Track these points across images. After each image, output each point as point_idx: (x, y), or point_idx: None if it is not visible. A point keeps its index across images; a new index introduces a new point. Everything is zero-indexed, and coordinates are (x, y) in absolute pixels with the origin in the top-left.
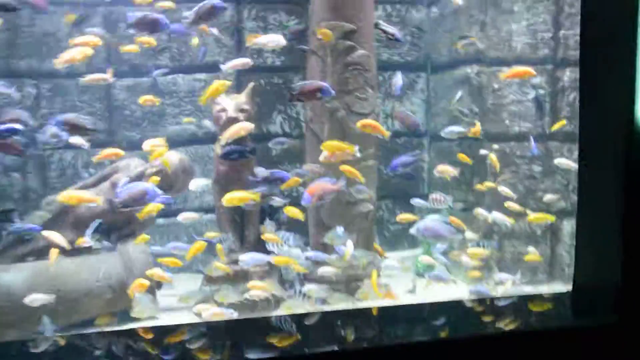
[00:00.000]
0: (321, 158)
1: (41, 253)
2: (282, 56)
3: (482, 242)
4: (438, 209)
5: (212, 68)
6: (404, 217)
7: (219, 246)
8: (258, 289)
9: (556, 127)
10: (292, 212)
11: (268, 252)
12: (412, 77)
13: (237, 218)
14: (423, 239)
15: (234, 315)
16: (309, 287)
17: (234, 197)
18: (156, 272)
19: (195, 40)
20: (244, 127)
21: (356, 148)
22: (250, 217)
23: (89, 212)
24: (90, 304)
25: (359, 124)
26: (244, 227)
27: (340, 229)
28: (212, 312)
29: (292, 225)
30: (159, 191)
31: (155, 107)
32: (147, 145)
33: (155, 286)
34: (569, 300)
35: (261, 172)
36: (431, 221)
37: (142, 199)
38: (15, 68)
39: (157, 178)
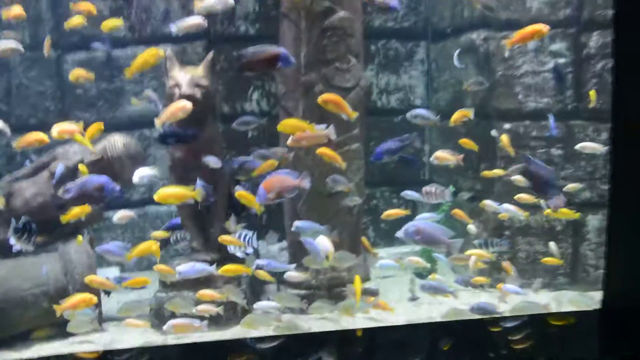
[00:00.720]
0: (289, 141)
1: None
2: (256, 23)
3: (490, 240)
4: (438, 203)
5: (179, 38)
6: (390, 213)
7: (152, 246)
8: (208, 298)
9: (592, 101)
10: (246, 199)
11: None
12: (410, 46)
13: (202, 212)
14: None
15: (203, 327)
16: (279, 295)
17: (169, 194)
18: (97, 278)
19: None
20: (182, 107)
21: (330, 129)
22: (215, 212)
23: (25, 206)
24: (24, 316)
25: (319, 99)
26: (207, 222)
27: (314, 225)
28: (172, 324)
29: (271, 220)
30: (116, 185)
31: (112, 85)
32: (56, 130)
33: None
34: (596, 320)
35: (212, 161)
36: (423, 222)
37: (96, 195)
38: None
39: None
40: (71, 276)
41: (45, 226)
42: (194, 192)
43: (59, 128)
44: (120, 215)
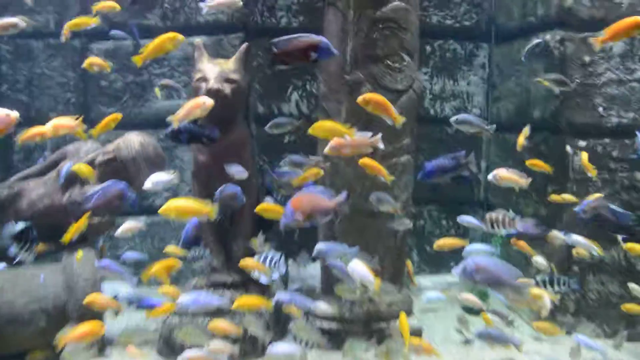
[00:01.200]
0: (326, 150)
1: None
2: (300, 15)
3: (556, 277)
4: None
5: (215, 29)
6: (445, 242)
7: (173, 264)
8: (222, 332)
9: None
10: (272, 213)
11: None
12: (470, 47)
13: (226, 224)
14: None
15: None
16: (299, 326)
17: (177, 208)
18: (99, 299)
19: None
20: (201, 105)
21: (377, 137)
22: (240, 226)
23: (30, 209)
24: (18, 334)
25: (359, 98)
26: (231, 238)
27: (340, 248)
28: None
29: (305, 237)
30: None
31: (139, 78)
32: (51, 125)
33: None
34: None
35: (236, 171)
36: (485, 259)
37: (116, 204)
38: None
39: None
40: (73, 292)
41: (51, 232)
42: (208, 207)
43: (54, 122)
44: (125, 228)
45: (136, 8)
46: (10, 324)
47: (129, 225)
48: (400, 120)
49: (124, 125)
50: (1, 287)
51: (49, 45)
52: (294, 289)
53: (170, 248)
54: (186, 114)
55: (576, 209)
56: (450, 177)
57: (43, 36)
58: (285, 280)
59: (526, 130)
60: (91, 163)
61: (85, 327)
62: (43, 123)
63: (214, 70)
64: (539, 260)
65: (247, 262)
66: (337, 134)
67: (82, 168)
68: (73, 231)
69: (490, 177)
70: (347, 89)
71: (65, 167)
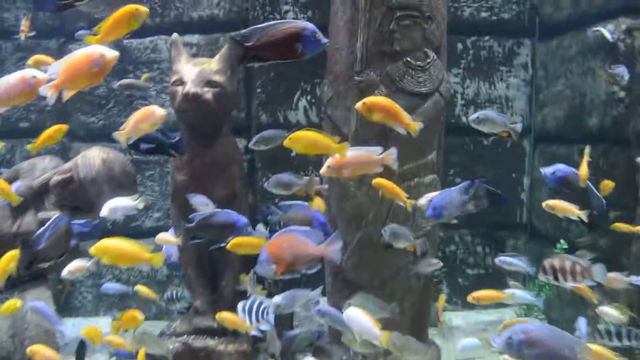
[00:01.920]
0: (323, 170)
1: None
2: (307, 9)
3: (624, 329)
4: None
5: (210, 25)
6: (482, 296)
7: (137, 317)
8: None
9: None
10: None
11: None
12: (510, 44)
13: (211, 258)
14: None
15: None
16: None
17: (110, 251)
18: (42, 351)
19: None
20: (152, 115)
21: (390, 153)
22: (228, 260)
23: None
24: None
25: (359, 104)
26: (217, 274)
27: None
28: None
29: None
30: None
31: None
32: None
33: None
34: None
35: (199, 203)
36: (538, 328)
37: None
38: None
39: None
40: (20, 342)
41: None
42: (147, 254)
43: None
44: (72, 269)
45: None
46: None
47: (76, 266)
48: (416, 128)
49: (109, 137)
50: None
51: (20, 46)
52: (290, 336)
53: (141, 288)
54: (133, 128)
55: None
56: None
57: (11, 36)
58: (290, 321)
59: (587, 153)
60: (46, 184)
61: None
62: (12, 135)
63: (192, 71)
64: (609, 311)
65: (225, 316)
66: (321, 149)
67: (5, 192)
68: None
69: (545, 205)
70: (358, 93)
71: (14, 187)
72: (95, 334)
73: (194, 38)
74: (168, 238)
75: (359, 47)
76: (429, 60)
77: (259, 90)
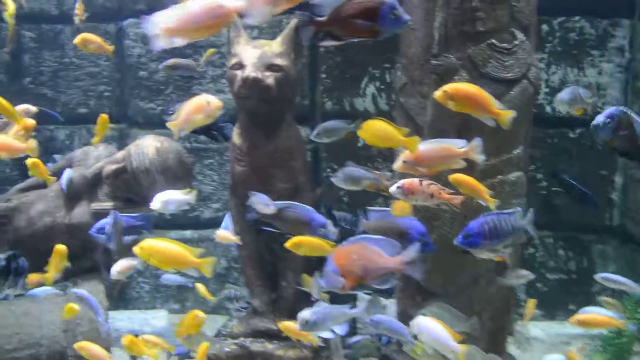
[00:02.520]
0: (396, 165)
1: None
2: None
3: None
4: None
5: None
6: (588, 319)
7: (197, 321)
8: None
9: None
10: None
11: None
12: (603, 26)
13: (266, 256)
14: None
15: None
16: None
17: (157, 253)
18: (89, 348)
19: None
20: (207, 106)
21: (475, 144)
22: (289, 258)
23: (28, 228)
24: None
25: (438, 92)
26: (277, 273)
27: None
28: None
29: None
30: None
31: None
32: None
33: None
34: None
35: (259, 202)
36: None
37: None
38: None
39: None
40: (73, 337)
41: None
42: (199, 260)
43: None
44: (118, 269)
45: None
46: None
47: (124, 265)
48: (508, 118)
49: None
50: None
51: (78, 30)
52: (349, 343)
53: (200, 288)
54: (185, 119)
55: None
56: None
57: (72, 19)
58: (352, 327)
59: None
60: (99, 174)
61: None
62: (72, 121)
63: (253, 54)
64: None
65: (287, 326)
66: (389, 142)
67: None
68: (53, 271)
69: None
70: (435, 79)
71: (65, 177)
72: (133, 344)
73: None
74: (227, 235)
75: (437, 27)
76: (516, 42)
77: (323, 75)
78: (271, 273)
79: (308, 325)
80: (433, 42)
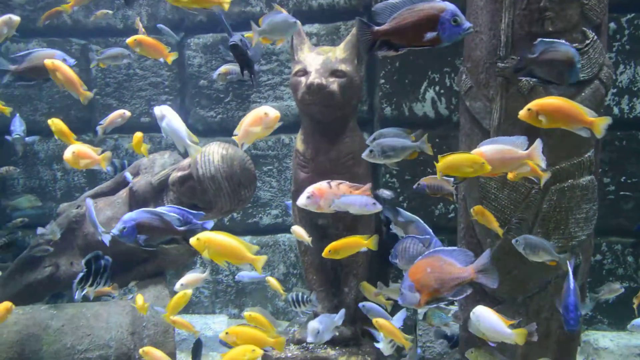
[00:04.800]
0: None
1: (57, 284)
2: None
3: None
4: None
5: (330, 14)
6: None
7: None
8: None
9: None
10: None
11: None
12: None
13: (329, 262)
14: None
15: None
16: None
17: (215, 245)
18: (152, 353)
19: None
20: (265, 118)
21: (538, 146)
22: (352, 264)
23: (98, 234)
24: None
25: (523, 112)
26: (340, 279)
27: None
28: None
29: None
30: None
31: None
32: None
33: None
34: None
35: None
36: None
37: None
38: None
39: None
40: (139, 339)
41: (119, 263)
42: (254, 256)
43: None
44: (185, 282)
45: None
46: None
47: (190, 278)
48: (603, 126)
49: (227, 131)
50: (61, 328)
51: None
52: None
53: (272, 280)
54: (245, 133)
55: None
56: None
57: (135, 33)
58: (413, 326)
59: None
60: (165, 181)
61: None
62: (135, 129)
63: (316, 60)
64: None
65: (383, 324)
66: (476, 170)
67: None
68: None
69: None
70: (502, 82)
71: (138, 183)
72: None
73: (314, 27)
74: (302, 234)
75: (504, 28)
76: (587, 42)
77: (382, 80)
78: (333, 279)
79: (318, 336)
80: (499, 44)
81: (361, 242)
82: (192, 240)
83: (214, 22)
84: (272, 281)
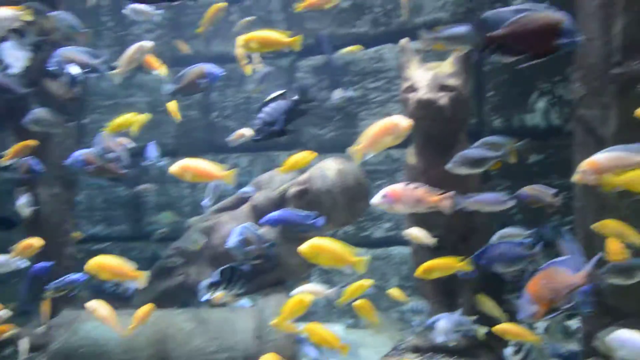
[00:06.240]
0: (576, 176)
1: (186, 291)
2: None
3: None
4: None
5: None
6: None
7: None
8: None
9: None
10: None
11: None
12: None
13: None
14: None
15: None
16: None
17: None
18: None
19: None
20: (396, 127)
21: None
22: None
23: (222, 245)
24: None
25: None
26: (454, 290)
27: None
28: None
29: None
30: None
31: (354, 94)
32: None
33: None
34: None
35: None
36: None
37: None
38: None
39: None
40: (264, 344)
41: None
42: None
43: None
44: (305, 289)
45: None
46: None
47: (309, 289)
48: None
49: (337, 148)
50: (193, 330)
51: None
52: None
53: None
54: (372, 142)
55: None
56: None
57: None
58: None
59: None
60: (283, 195)
61: None
62: (252, 149)
63: (425, 76)
64: None
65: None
66: None
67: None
68: None
69: None
70: (617, 89)
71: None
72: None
73: (419, 45)
74: (421, 235)
75: (618, 33)
76: None
77: (491, 93)
78: (447, 291)
79: (447, 335)
80: (612, 50)
81: (455, 265)
82: (302, 248)
83: (321, 46)
84: (395, 292)
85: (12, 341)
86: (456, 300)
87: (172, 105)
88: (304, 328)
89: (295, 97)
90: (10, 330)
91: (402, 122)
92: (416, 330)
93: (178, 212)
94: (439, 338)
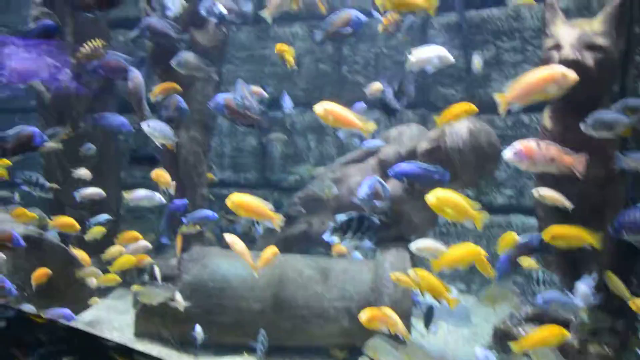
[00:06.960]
0: None
1: (308, 240)
2: None
3: None
4: None
5: None
6: None
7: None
8: None
9: None
10: None
11: None
12: None
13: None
14: None
15: None
16: None
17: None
18: (378, 314)
19: None
20: (561, 77)
21: None
22: (594, 250)
23: (348, 196)
24: (321, 329)
25: None
26: (580, 263)
27: None
28: None
29: None
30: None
31: (488, 51)
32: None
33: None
34: None
35: None
36: None
37: None
38: None
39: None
40: (379, 296)
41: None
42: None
43: None
44: (422, 245)
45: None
46: (318, 317)
47: (427, 244)
48: None
49: None
50: (313, 276)
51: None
52: None
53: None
54: (525, 91)
55: None
56: None
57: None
58: None
59: None
60: (413, 151)
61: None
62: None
63: (571, 34)
64: None
65: None
66: None
67: None
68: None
69: None
70: None
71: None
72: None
73: (562, 2)
74: (555, 196)
75: None
76: None
77: (639, 57)
78: (572, 263)
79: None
80: None
81: (584, 238)
82: (428, 198)
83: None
84: (524, 261)
85: (149, 270)
86: (581, 274)
87: (288, 52)
88: (417, 274)
89: None
90: (147, 260)
91: (570, 73)
92: (537, 302)
93: (304, 163)
94: (581, 303)
